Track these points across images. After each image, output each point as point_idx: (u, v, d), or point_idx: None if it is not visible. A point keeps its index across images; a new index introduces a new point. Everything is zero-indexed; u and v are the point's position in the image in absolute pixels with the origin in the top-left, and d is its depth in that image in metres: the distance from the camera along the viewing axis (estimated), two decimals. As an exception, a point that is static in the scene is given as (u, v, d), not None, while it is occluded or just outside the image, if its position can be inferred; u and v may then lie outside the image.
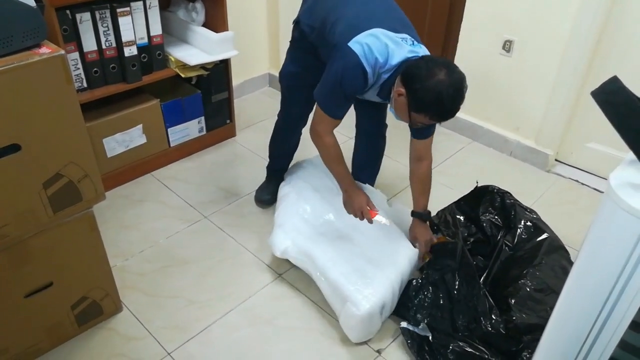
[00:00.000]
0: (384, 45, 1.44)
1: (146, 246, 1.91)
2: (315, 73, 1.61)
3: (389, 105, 1.59)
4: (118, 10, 1.91)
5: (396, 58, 1.45)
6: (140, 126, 2.16)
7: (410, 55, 1.46)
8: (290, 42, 1.78)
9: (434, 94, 1.36)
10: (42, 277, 1.40)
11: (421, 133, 1.67)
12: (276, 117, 2.00)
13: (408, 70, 1.42)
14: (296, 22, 1.71)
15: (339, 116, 1.58)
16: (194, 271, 1.82)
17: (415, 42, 1.51)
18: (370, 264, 1.63)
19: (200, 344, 1.57)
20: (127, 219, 2.03)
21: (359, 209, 1.64)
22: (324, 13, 1.56)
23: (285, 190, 1.96)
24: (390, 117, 1.83)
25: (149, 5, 2.00)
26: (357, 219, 1.67)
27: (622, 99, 0.79)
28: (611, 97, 0.79)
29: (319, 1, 1.61)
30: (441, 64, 1.39)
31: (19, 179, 1.22)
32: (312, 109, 1.90)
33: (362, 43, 1.42)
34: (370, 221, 1.65)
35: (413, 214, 1.78)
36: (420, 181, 1.75)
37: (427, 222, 1.78)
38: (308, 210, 1.84)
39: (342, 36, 1.46)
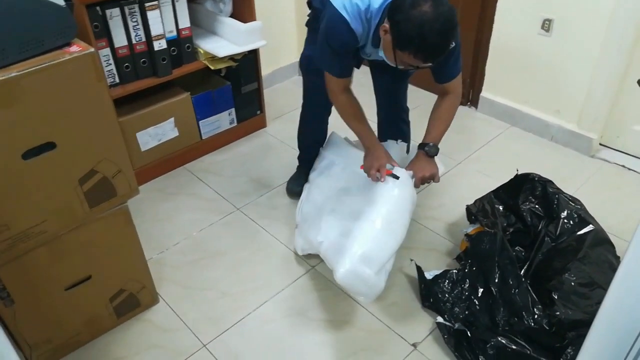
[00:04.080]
0: None
1: (180, 239, 1.93)
2: None
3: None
4: (146, 4, 1.91)
5: (378, 0, 1.40)
6: (172, 119, 2.18)
7: None
8: (306, 25, 1.76)
9: (416, 26, 1.26)
10: (81, 271, 1.44)
11: (442, 75, 1.56)
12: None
13: (393, 3, 1.35)
14: (309, 3, 1.70)
15: (339, 74, 1.57)
16: (228, 263, 1.83)
17: None
18: (356, 220, 1.52)
19: (234, 335, 1.58)
20: (161, 212, 2.06)
21: (371, 167, 1.55)
22: None
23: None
24: (412, 100, 1.74)
25: (177, -2, 2.00)
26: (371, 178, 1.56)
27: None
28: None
29: None
30: None
31: (55, 176, 1.25)
32: None
33: None
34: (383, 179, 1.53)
35: (419, 145, 1.63)
36: (438, 110, 1.62)
37: (432, 158, 1.60)
38: (316, 195, 1.82)
39: None
